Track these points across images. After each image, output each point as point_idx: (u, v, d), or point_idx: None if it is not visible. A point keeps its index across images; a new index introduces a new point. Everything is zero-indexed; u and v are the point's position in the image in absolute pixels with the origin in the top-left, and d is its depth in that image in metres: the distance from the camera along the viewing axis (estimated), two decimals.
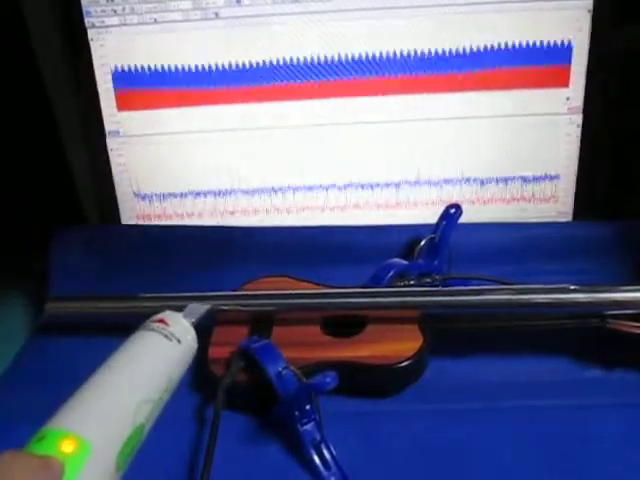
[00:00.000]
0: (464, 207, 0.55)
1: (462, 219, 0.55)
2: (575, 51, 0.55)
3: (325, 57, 0.56)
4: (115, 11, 0.55)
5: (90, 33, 0.56)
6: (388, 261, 0.53)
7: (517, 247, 0.56)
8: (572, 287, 0.46)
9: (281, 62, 0.56)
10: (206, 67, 0.56)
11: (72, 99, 0.59)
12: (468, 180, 0.60)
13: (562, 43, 0.55)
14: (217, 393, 0.41)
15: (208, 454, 0.37)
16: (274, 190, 0.60)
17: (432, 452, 0.40)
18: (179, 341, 0.35)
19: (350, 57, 0.56)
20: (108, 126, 0.59)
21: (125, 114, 0.58)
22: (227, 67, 0.56)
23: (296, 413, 0.40)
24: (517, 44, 0.55)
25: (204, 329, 0.41)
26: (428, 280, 0.51)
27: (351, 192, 0.60)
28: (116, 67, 0.57)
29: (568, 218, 0.61)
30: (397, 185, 0.60)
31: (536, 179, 0.59)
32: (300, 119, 0.58)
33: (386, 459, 0.40)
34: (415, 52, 0.55)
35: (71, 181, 0.61)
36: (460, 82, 0.56)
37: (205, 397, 0.45)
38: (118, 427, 0.28)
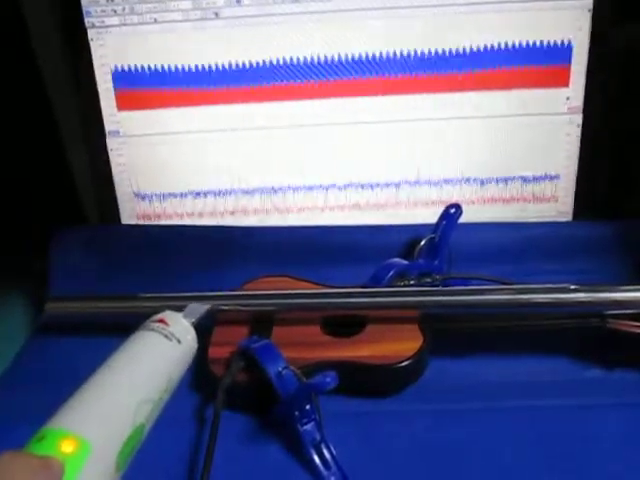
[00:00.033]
0: (464, 207, 0.55)
1: (462, 219, 0.55)
2: (575, 51, 0.55)
3: (325, 57, 0.56)
4: (115, 11, 0.55)
5: (90, 33, 0.56)
6: (388, 261, 0.53)
7: (517, 247, 0.56)
8: (572, 287, 0.46)
9: (281, 62, 0.56)
10: (206, 67, 0.56)
11: (72, 99, 0.59)
12: (468, 180, 0.60)
13: (562, 43, 0.55)
14: (217, 393, 0.41)
15: (208, 454, 0.37)
16: (274, 190, 0.60)
17: (432, 452, 0.40)
18: (179, 341, 0.35)
19: (349, 57, 0.56)
20: (108, 126, 0.59)
21: (125, 114, 0.58)
22: (227, 67, 0.56)
23: (296, 413, 0.40)
24: (517, 44, 0.55)
25: (204, 329, 0.41)
26: (428, 280, 0.51)
27: (351, 192, 0.60)
28: (116, 67, 0.57)
29: (568, 218, 0.61)
30: (397, 185, 0.60)
31: (536, 179, 0.59)
32: (300, 119, 0.58)
33: (386, 459, 0.40)
34: (415, 52, 0.55)
35: (71, 181, 0.61)
36: (460, 82, 0.56)
37: (205, 397, 0.45)
38: (118, 427, 0.28)
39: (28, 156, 0.59)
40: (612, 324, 0.45)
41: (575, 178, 0.59)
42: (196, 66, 0.56)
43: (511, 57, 0.55)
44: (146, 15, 0.55)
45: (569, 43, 0.55)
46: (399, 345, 0.45)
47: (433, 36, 0.55)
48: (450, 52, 0.55)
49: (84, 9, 0.55)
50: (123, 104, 0.58)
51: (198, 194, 0.61)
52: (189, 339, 0.36)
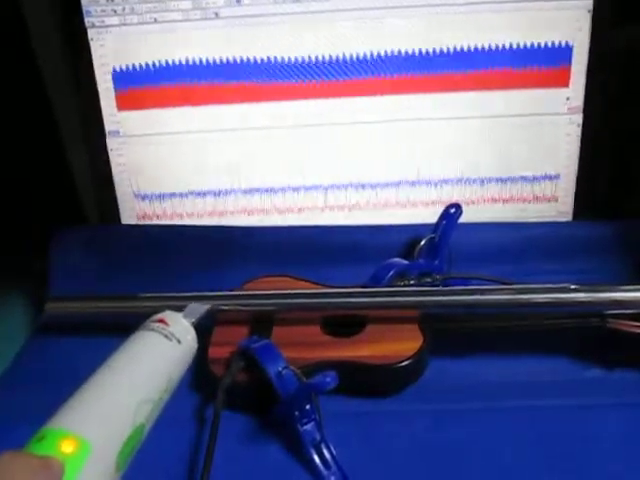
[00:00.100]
0: (464, 207, 0.55)
1: (462, 219, 0.55)
2: (575, 51, 0.55)
3: (324, 57, 0.56)
4: (115, 11, 0.55)
5: (90, 33, 0.56)
6: (388, 261, 0.53)
7: (517, 247, 0.56)
8: (572, 287, 0.46)
9: (281, 62, 0.56)
10: (206, 67, 0.56)
11: (72, 99, 0.59)
12: (468, 180, 0.59)
13: (562, 43, 0.55)
14: (217, 393, 0.41)
15: (208, 454, 0.37)
16: (274, 190, 0.60)
17: (432, 452, 0.40)
18: (179, 341, 0.35)
19: (349, 57, 0.56)
20: (108, 126, 0.59)
21: (125, 114, 0.58)
22: (227, 67, 0.56)
23: (296, 413, 0.40)
24: (517, 44, 0.55)
25: (204, 329, 0.41)
26: (428, 280, 0.51)
27: (351, 192, 0.60)
28: (116, 67, 0.57)
29: (568, 218, 0.61)
30: (397, 185, 0.60)
31: (536, 179, 0.59)
32: (300, 119, 0.58)
33: (386, 459, 0.40)
34: (414, 52, 0.55)
35: (71, 181, 0.61)
36: (460, 82, 0.56)
37: (205, 397, 0.45)
38: (118, 427, 0.28)
39: (28, 156, 0.59)
40: (612, 324, 0.45)
41: (575, 178, 0.59)
42: (196, 66, 0.56)
43: (511, 57, 0.55)
44: (146, 15, 0.55)
45: (569, 43, 0.55)
46: (399, 345, 0.45)
47: (433, 36, 0.55)
48: (450, 52, 0.55)
49: (84, 9, 0.55)
50: (123, 104, 0.58)
51: (198, 194, 0.61)
52: (189, 339, 0.36)
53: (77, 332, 0.52)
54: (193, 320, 0.38)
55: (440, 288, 0.50)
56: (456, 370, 0.47)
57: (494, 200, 0.60)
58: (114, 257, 0.58)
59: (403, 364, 0.44)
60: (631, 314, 0.45)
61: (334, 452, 0.39)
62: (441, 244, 0.54)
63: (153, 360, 0.33)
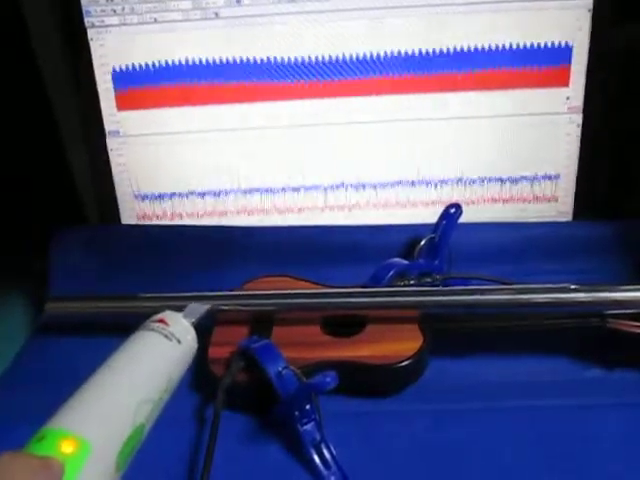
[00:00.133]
0: (464, 207, 0.55)
1: (462, 219, 0.55)
2: (575, 51, 0.55)
3: (324, 57, 0.56)
4: (115, 11, 0.55)
5: (90, 33, 0.56)
6: (388, 261, 0.53)
7: (517, 247, 0.56)
8: (572, 287, 0.46)
9: (282, 61, 0.56)
10: (206, 67, 0.56)
11: (72, 99, 0.59)
12: (468, 180, 0.60)
13: (562, 43, 0.55)
14: (217, 393, 0.41)
15: (208, 454, 0.37)
16: (274, 190, 0.60)
17: (432, 452, 0.40)
18: (179, 341, 0.35)
19: (349, 57, 0.56)
20: (108, 126, 0.59)
21: (125, 114, 0.58)
22: (227, 67, 0.56)
23: (296, 413, 0.40)
24: (517, 44, 0.55)
25: (204, 329, 0.41)
26: (428, 280, 0.51)
27: (351, 192, 0.60)
28: (116, 67, 0.57)
29: (568, 218, 0.61)
30: (397, 185, 0.60)
31: (536, 179, 0.59)
32: (300, 119, 0.58)
33: (386, 459, 0.40)
34: (414, 52, 0.55)
35: (71, 181, 0.61)
36: (460, 82, 0.56)
37: (205, 397, 0.45)
38: (118, 427, 0.28)
39: (28, 156, 0.59)
40: (612, 324, 0.45)
41: (575, 178, 0.59)
42: (196, 66, 0.56)
43: (511, 57, 0.55)
44: (146, 15, 0.55)
45: (569, 43, 0.55)
46: (399, 345, 0.45)
47: (433, 36, 0.55)
48: (450, 52, 0.55)
49: (84, 9, 0.55)
50: (123, 104, 0.58)
51: (198, 194, 0.61)
52: (189, 339, 0.36)
53: (77, 332, 0.52)
54: (193, 320, 0.38)
55: (440, 288, 0.50)
56: (456, 370, 0.47)
57: (494, 200, 0.60)
58: (114, 257, 0.58)
59: (403, 364, 0.44)
60: (631, 314, 0.45)
61: (334, 452, 0.39)
62: (441, 244, 0.54)
63: (153, 360, 0.33)
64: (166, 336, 0.34)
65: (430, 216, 0.56)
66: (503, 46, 0.55)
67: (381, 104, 0.57)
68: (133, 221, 0.62)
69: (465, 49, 0.55)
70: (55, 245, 0.58)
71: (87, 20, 0.56)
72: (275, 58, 0.56)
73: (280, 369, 0.42)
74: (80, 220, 0.62)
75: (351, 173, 0.60)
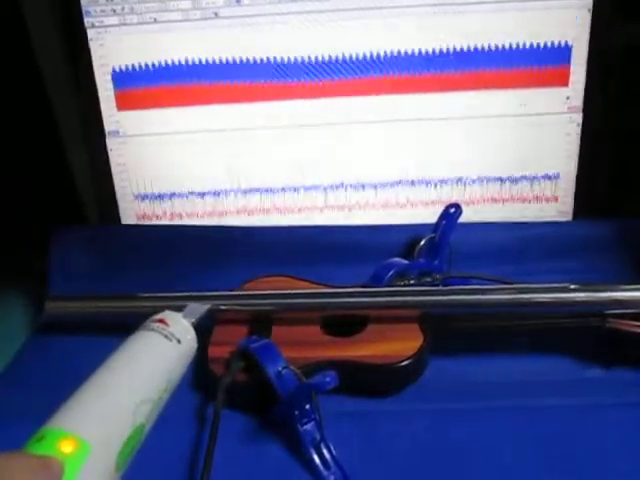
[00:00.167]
0: (464, 207, 0.55)
1: (462, 219, 0.55)
2: (575, 50, 0.55)
3: (324, 57, 0.56)
4: (115, 11, 0.55)
5: (90, 33, 0.56)
6: (388, 260, 0.53)
7: (517, 247, 0.56)
8: (572, 286, 0.46)
9: (282, 61, 0.56)
10: (205, 67, 0.56)
11: (72, 99, 0.59)
12: (468, 180, 0.59)
13: (562, 43, 0.55)
14: (217, 393, 0.41)
15: (208, 454, 0.37)
16: (274, 190, 0.60)
17: (432, 452, 0.40)
18: (179, 341, 0.35)
19: (349, 57, 0.56)
20: (108, 126, 0.59)
21: (125, 114, 0.58)
22: (227, 67, 0.56)
23: (296, 413, 0.40)
24: (517, 44, 0.55)
25: (204, 329, 0.41)
26: (428, 279, 0.51)
27: (351, 192, 0.60)
28: (116, 67, 0.57)
29: (568, 218, 0.61)
30: (397, 185, 0.60)
31: (536, 179, 0.59)
32: (300, 119, 0.58)
33: (386, 459, 0.40)
34: (414, 52, 0.55)
35: (71, 181, 0.61)
36: (460, 82, 0.56)
37: (205, 397, 0.45)
38: (118, 427, 0.28)
39: (28, 156, 0.59)
40: (612, 324, 0.45)
41: (575, 178, 0.59)
42: (196, 66, 0.56)
43: (511, 57, 0.55)
44: (146, 15, 0.55)
45: (569, 43, 0.55)
46: (399, 345, 0.45)
47: (432, 36, 0.55)
48: (450, 52, 0.55)
49: (84, 9, 0.55)
50: (123, 104, 0.58)
51: (198, 194, 0.61)
52: (189, 339, 0.36)
53: (77, 332, 0.52)
54: (193, 320, 0.38)
55: (440, 288, 0.50)
56: (456, 370, 0.46)
57: (494, 200, 0.60)
58: (114, 257, 0.58)
59: (403, 364, 0.44)
60: (631, 314, 0.45)
61: (334, 452, 0.39)
62: (441, 244, 0.54)
63: (153, 360, 0.33)
64: (166, 336, 0.34)
65: (430, 216, 0.56)
66: (503, 46, 0.55)
67: (381, 104, 0.57)
68: (133, 221, 0.62)
69: (465, 49, 0.55)
70: (55, 245, 0.58)
71: (87, 20, 0.56)
72: (275, 58, 0.56)
73: (280, 369, 0.42)
74: (80, 220, 0.62)
75: (351, 173, 0.60)
